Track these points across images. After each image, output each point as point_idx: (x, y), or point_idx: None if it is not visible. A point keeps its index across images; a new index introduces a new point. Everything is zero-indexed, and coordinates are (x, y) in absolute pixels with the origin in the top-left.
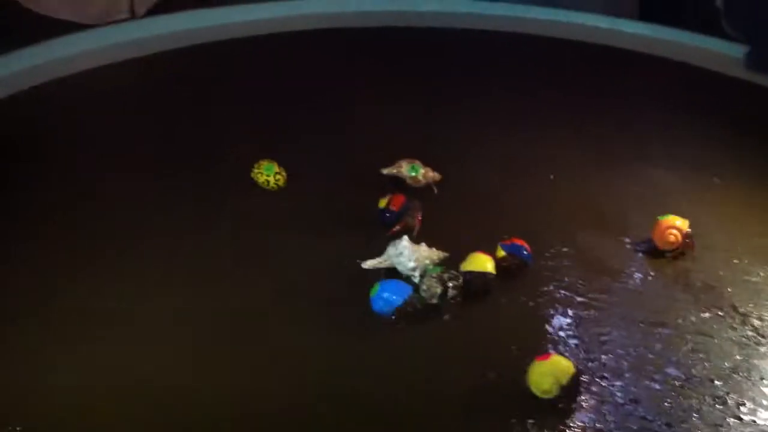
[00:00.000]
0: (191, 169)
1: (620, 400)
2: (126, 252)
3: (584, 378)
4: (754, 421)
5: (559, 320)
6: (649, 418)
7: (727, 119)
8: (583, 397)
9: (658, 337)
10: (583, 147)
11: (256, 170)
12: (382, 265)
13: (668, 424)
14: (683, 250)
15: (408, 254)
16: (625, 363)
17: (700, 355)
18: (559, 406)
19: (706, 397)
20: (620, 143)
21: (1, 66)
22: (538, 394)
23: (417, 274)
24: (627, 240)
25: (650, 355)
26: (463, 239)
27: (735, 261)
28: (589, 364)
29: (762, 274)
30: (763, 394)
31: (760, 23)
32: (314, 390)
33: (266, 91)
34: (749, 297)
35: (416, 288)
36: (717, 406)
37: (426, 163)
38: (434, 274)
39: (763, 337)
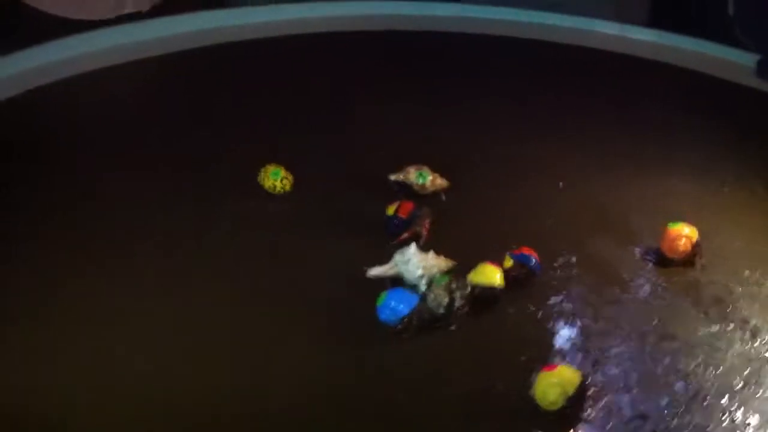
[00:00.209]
0: (193, 171)
1: (628, 414)
2: (127, 253)
3: (591, 391)
4: None
5: (567, 331)
6: None
7: (737, 128)
8: (590, 411)
9: (667, 350)
10: (591, 154)
11: (262, 174)
12: (389, 273)
13: None
14: (692, 258)
15: (415, 262)
16: (634, 376)
17: (710, 370)
18: (567, 419)
19: (715, 413)
20: (628, 151)
21: (2, 67)
22: (545, 405)
23: (424, 282)
24: (636, 249)
25: (659, 369)
26: (471, 247)
27: (746, 272)
28: (597, 376)
29: None
30: None
31: None
32: (315, 397)
33: (270, 94)
34: (760, 310)
35: (423, 297)
36: (726, 421)
37: (434, 170)
38: (442, 284)
39: None
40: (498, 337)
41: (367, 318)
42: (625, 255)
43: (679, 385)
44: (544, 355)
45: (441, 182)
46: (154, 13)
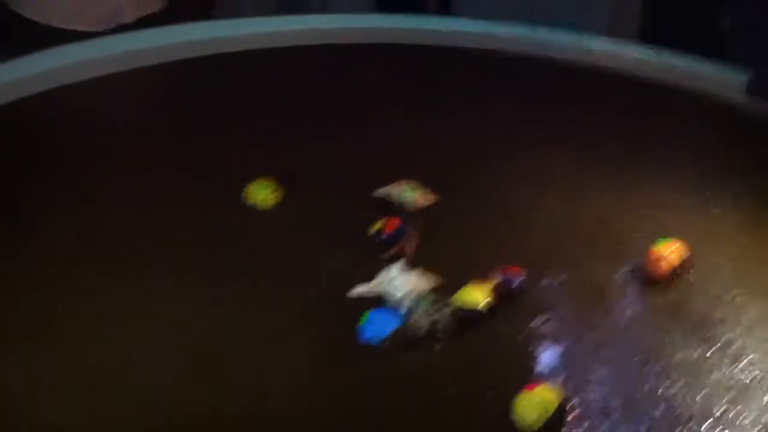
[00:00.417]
0: (179, 184)
1: None
2: (123, 263)
3: (573, 414)
4: None
5: (550, 354)
6: None
7: (728, 147)
8: None
9: (649, 373)
10: (582, 171)
11: (251, 188)
12: (372, 292)
13: None
14: (678, 277)
15: (400, 281)
16: (616, 400)
17: (692, 394)
18: None
19: None
20: (618, 168)
21: (4, 73)
22: (525, 426)
23: (408, 302)
24: (622, 270)
25: (641, 393)
26: (457, 266)
27: (729, 296)
28: (579, 399)
29: (756, 311)
30: None
31: (763, 48)
32: (295, 417)
33: (260, 107)
34: (742, 334)
35: (407, 317)
36: None
37: (422, 185)
38: (426, 303)
39: (755, 376)
40: (481, 357)
41: (350, 337)
42: (611, 275)
43: (661, 409)
44: (527, 377)
45: (428, 198)
46: (148, 23)
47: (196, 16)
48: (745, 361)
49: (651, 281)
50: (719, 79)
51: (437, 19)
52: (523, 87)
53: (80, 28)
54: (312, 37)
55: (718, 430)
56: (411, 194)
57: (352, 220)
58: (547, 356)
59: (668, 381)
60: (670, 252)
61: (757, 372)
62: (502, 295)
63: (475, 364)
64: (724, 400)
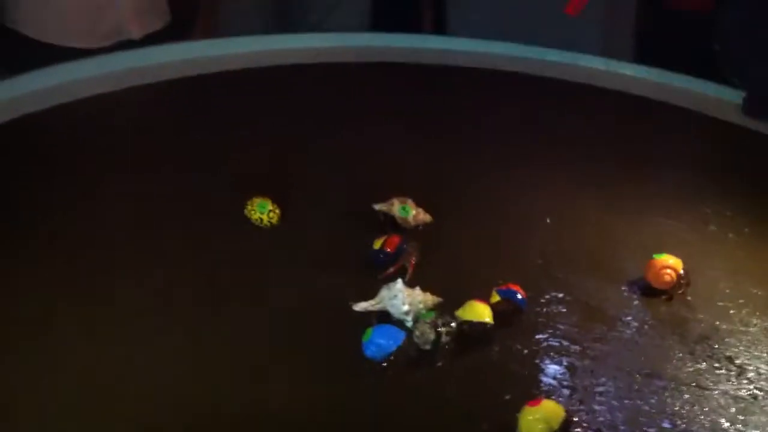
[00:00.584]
0: (179, 201)
1: None
2: (118, 280)
3: (577, 430)
4: None
5: (554, 369)
6: None
7: (724, 165)
8: None
9: (653, 389)
10: (578, 189)
11: (249, 207)
12: (375, 308)
13: None
14: (678, 289)
15: (402, 298)
16: (620, 415)
17: (695, 409)
18: None
19: None
20: (615, 186)
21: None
22: None
23: (410, 318)
24: (623, 287)
25: (645, 408)
26: (457, 284)
27: (732, 311)
28: (583, 415)
29: (759, 325)
30: None
31: (758, 69)
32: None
33: (258, 125)
34: (746, 349)
35: (409, 333)
36: None
37: (420, 204)
38: (428, 320)
39: (759, 390)
40: (484, 373)
41: (353, 354)
42: (612, 291)
43: (665, 424)
44: (530, 393)
45: (424, 217)
46: (150, 41)
47: (197, 34)
48: (749, 374)
49: (652, 293)
50: (715, 97)
51: (432, 38)
52: (518, 105)
53: (81, 45)
54: (309, 55)
55: None
56: (408, 212)
57: (352, 238)
58: (551, 371)
59: (673, 395)
60: (670, 263)
61: (762, 384)
62: (504, 312)
63: (479, 379)
64: (729, 414)
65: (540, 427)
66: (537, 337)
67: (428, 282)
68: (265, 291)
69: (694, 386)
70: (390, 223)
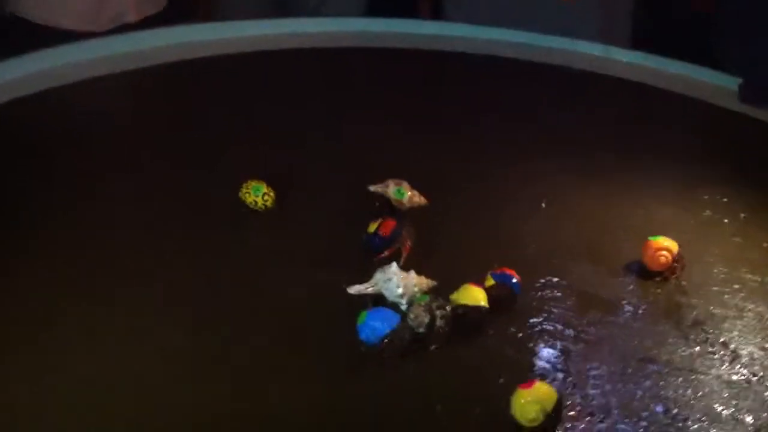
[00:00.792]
0: (173, 186)
1: None
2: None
3: (571, 413)
4: None
5: (548, 353)
6: None
7: (720, 151)
8: None
9: (647, 373)
10: (574, 174)
11: (244, 190)
12: (369, 291)
13: None
14: (674, 271)
15: (396, 281)
16: (614, 399)
17: (689, 393)
18: None
19: None
20: (612, 172)
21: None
22: (524, 423)
23: (404, 301)
24: (618, 271)
25: (639, 392)
26: (451, 268)
27: (727, 296)
28: (577, 399)
29: (753, 310)
30: None
31: (755, 56)
32: (290, 419)
33: (254, 109)
34: (740, 334)
35: (404, 316)
36: None
37: (416, 187)
38: (422, 303)
39: (753, 375)
40: (478, 357)
41: (348, 337)
42: (607, 276)
43: (658, 409)
44: (524, 376)
45: (419, 200)
46: (148, 24)
47: (193, 17)
48: (743, 359)
49: (647, 276)
50: (712, 84)
51: (429, 24)
52: (515, 91)
53: (84, 29)
54: (307, 40)
55: (715, 428)
56: (403, 195)
57: (347, 221)
58: (545, 355)
59: (667, 379)
60: (665, 245)
61: (756, 369)
62: (499, 296)
63: (473, 363)
64: (722, 399)
65: (533, 409)
66: (531, 321)
67: (423, 265)
68: (258, 274)
69: (688, 371)
70: (386, 206)
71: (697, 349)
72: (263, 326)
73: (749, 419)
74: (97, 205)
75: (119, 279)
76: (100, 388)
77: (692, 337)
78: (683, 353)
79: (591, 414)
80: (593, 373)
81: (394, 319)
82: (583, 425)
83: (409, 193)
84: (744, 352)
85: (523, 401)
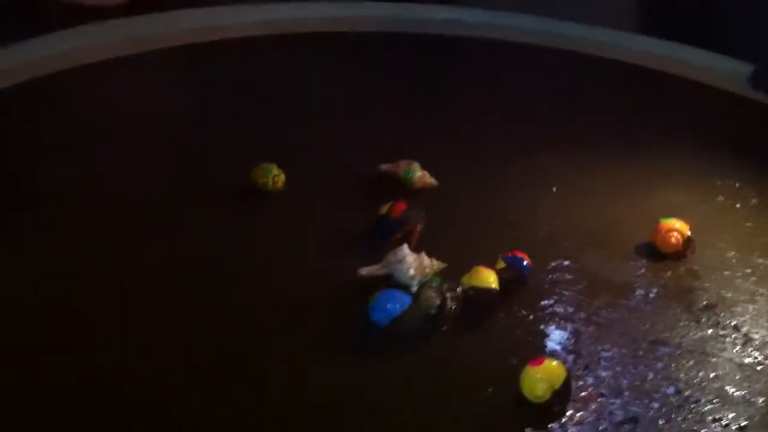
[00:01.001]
0: (181, 169)
1: (618, 419)
2: (125, 250)
3: (582, 394)
4: None
5: (559, 335)
6: None
7: (732, 137)
8: (580, 414)
9: (658, 355)
10: (586, 159)
11: (254, 172)
12: (380, 272)
13: None
14: (684, 253)
15: (408, 263)
16: (625, 381)
17: (701, 375)
18: (557, 422)
19: (706, 419)
20: (623, 158)
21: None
22: (533, 399)
23: (415, 283)
24: (630, 254)
25: (650, 374)
26: (462, 250)
27: (738, 280)
28: (589, 380)
29: (765, 294)
30: (763, 417)
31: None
32: (303, 401)
33: (264, 92)
34: (752, 318)
35: (415, 298)
36: (716, 428)
37: (428, 169)
38: (433, 285)
39: (765, 359)
40: (489, 339)
41: (359, 318)
42: (618, 259)
43: (669, 391)
44: (535, 354)
45: (429, 180)
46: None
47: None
48: (755, 342)
49: (659, 258)
50: (724, 69)
51: (442, 9)
52: (528, 76)
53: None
54: (319, 24)
55: (726, 411)
56: (415, 173)
57: (357, 203)
58: (556, 337)
59: (678, 362)
60: (676, 226)
61: (767, 352)
62: (510, 278)
63: (484, 344)
64: (734, 382)
65: (542, 386)
66: (542, 303)
67: (434, 247)
68: (268, 257)
69: (700, 353)
70: (396, 189)
71: (709, 332)
72: (274, 306)
73: (761, 402)
74: (110, 177)
75: (120, 258)
76: (101, 374)
77: (704, 320)
78: (695, 336)
79: (602, 395)
80: (604, 355)
81: (405, 301)
82: (594, 405)
83: (420, 173)
84: (756, 335)
85: (532, 378)
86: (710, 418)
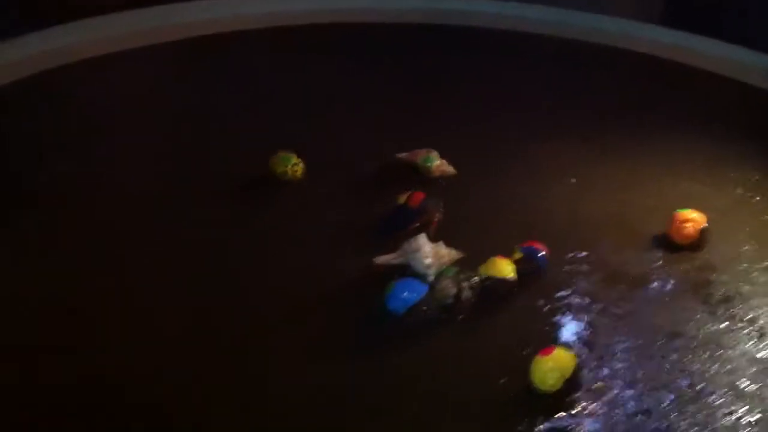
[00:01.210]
0: (197, 158)
1: (632, 410)
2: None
3: (597, 385)
4: None
5: (575, 326)
6: (661, 429)
7: (749, 130)
8: (595, 405)
9: (673, 347)
10: (603, 151)
11: (273, 160)
12: (396, 262)
13: None
14: (700, 243)
15: (425, 252)
16: (640, 371)
17: (715, 367)
18: (572, 412)
19: (720, 411)
20: (640, 149)
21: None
22: (544, 389)
23: (432, 272)
24: (646, 245)
25: (665, 365)
26: (480, 240)
27: (755, 274)
28: (604, 371)
29: None
30: None
31: None
32: (318, 391)
33: (278, 83)
34: (767, 311)
35: (432, 287)
36: (729, 421)
37: (445, 158)
38: (450, 274)
39: None
40: (504, 329)
41: (375, 307)
42: (635, 251)
43: (684, 383)
44: (547, 344)
45: (447, 169)
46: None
47: None
48: None
49: (675, 249)
50: (743, 61)
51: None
52: (544, 68)
53: None
54: (333, 15)
55: (740, 404)
56: (432, 162)
57: (375, 192)
58: (571, 328)
59: (693, 354)
60: (692, 216)
61: None
62: (526, 269)
63: (499, 334)
64: (748, 375)
65: (553, 375)
66: (559, 294)
67: (451, 237)
68: (289, 246)
69: (715, 346)
70: (414, 179)
71: (725, 325)
72: (291, 295)
73: None
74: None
75: (130, 251)
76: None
77: (720, 313)
78: (710, 329)
79: (617, 386)
80: (620, 346)
81: (421, 290)
82: (609, 396)
83: (438, 161)
84: None
85: (542, 368)
86: (723, 411)
